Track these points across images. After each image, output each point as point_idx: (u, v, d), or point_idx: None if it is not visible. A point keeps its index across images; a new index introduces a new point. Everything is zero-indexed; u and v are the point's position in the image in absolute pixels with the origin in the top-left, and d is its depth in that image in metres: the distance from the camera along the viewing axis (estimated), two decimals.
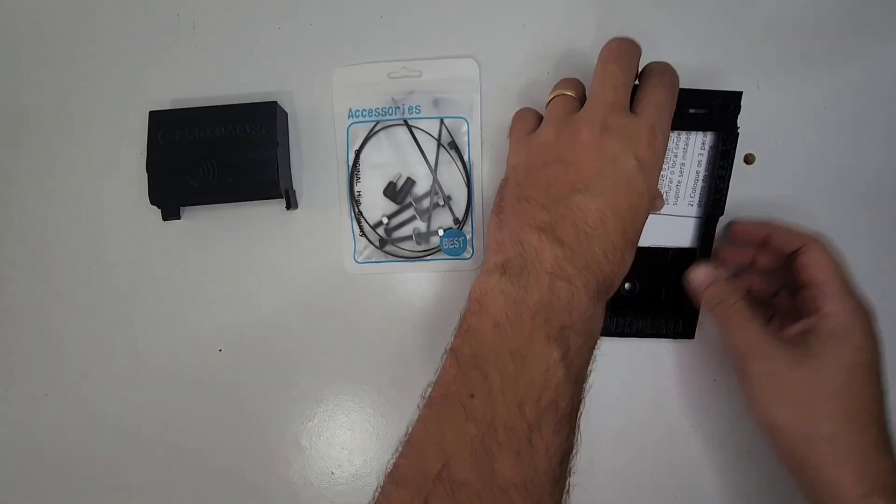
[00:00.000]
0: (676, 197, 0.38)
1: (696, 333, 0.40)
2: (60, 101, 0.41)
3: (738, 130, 0.36)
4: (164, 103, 0.40)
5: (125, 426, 0.41)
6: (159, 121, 0.38)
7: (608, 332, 0.38)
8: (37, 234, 0.41)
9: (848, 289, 0.34)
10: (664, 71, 0.34)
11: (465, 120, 0.40)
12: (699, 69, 0.39)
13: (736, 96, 0.36)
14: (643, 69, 0.35)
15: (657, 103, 0.32)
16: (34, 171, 0.41)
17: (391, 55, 0.41)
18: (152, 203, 0.39)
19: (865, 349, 0.33)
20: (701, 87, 0.36)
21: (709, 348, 0.41)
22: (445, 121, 0.40)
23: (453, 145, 0.40)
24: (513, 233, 0.31)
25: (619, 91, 0.32)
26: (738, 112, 0.36)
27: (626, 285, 0.39)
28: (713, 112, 0.36)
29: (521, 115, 0.37)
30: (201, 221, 0.41)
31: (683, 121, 0.36)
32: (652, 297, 0.39)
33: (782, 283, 0.38)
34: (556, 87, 0.36)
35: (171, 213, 0.39)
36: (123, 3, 0.41)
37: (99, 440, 0.41)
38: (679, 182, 0.38)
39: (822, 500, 0.33)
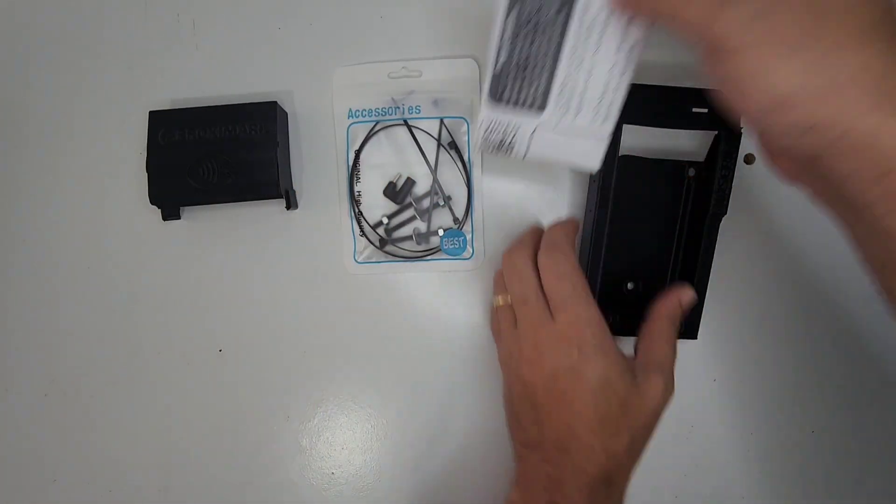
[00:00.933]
0: (579, 109, 0.31)
1: (698, 334, 0.40)
2: (60, 101, 0.41)
3: (742, 130, 0.36)
4: (164, 103, 0.40)
5: (125, 426, 0.41)
6: (159, 121, 0.38)
7: (622, 331, 0.38)
8: (37, 233, 0.41)
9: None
10: (549, 247, 0.34)
11: (465, 120, 0.40)
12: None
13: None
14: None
15: (559, 292, 0.33)
16: (34, 171, 0.41)
17: (391, 55, 0.41)
18: (152, 203, 0.39)
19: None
20: (701, 87, 0.36)
21: (709, 348, 0.41)
22: (445, 121, 0.40)
23: (453, 145, 0.40)
24: (515, 452, 0.35)
25: (531, 304, 0.33)
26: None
27: (629, 285, 0.39)
28: (716, 111, 0.36)
29: (491, 318, 0.39)
30: (201, 221, 0.41)
31: (686, 120, 0.36)
32: (654, 297, 0.39)
33: None
34: (494, 288, 0.38)
35: (170, 213, 0.39)
36: (123, 3, 0.41)
37: (99, 440, 0.41)
38: (585, 90, 0.31)
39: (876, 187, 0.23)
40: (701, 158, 0.38)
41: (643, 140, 0.38)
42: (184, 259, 0.41)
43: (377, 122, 0.40)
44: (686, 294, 0.35)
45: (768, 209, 0.40)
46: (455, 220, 0.41)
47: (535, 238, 0.36)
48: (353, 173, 0.41)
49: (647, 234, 0.39)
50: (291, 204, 0.40)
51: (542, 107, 0.31)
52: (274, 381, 0.41)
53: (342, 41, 0.41)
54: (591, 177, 0.38)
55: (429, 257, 0.41)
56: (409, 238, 0.41)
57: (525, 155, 0.33)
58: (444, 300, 0.41)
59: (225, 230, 0.41)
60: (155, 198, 0.39)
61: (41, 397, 0.41)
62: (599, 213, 0.36)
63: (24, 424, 0.41)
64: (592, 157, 0.33)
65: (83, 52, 0.41)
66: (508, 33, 0.30)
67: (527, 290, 0.34)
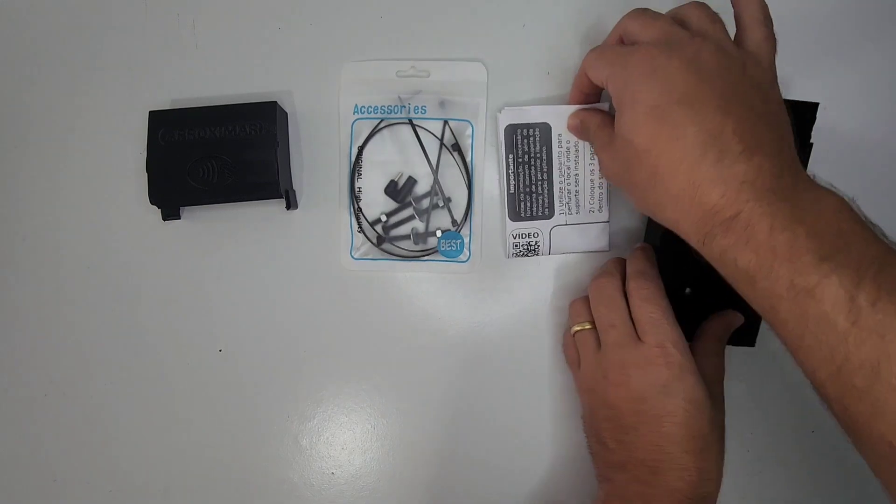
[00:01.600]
0: (578, 207, 0.40)
1: (756, 341, 0.39)
2: (60, 100, 0.41)
3: (812, 142, 0.36)
4: (164, 103, 0.40)
5: (125, 426, 0.41)
6: (159, 121, 0.38)
7: None
8: (37, 233, 0.41)
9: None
10: (637, 275, 0.36)
11: (471, 123, 0.40)
12: None
13: (812, 107, 0.36)
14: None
15: (648, 315, 0.34)
16: (34, 171, 0.41)
17: (393, 55, 0.41)
18: (152, 203, 0.39)
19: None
20: None
21: None
22: (450, 123, 0.40)
23: (457, 147, 0.40)
24: (600, 473, 0.36)
25: (619, 328, 0.34)
26: (814, 123, 0.36)
27: (687, 290, 0.39)
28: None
29: (566, 344, 0.40)
30: (201, 221, 0.41)
31: None
32: (711, 303, 0.39)
33: None
34: (572, 315, 0.39)
35: (170, 214, 0.39)
36: (123, 2, 0.41)
37: (99, 440, 0.41)
38: (578, 192, 0.40)
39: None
40: None
41: None
42: (184, 259, 0.41)
43: (382, 120, 0.40)
44: (736, 318, 0.37)
45: None
46: (454, 221, 0.41)
47: (620, 267, 0.38)
48: (355, 169, 0.41)
49: None
50: (291, 204, 0.40)
51: (551, 214, 0.40)
52: (274, 381, 0.41)
53: (343, 41, 0.41)
54: None
55: (425, 258, 0.41)
56: (406, 237, 0.41)
57: (549, 251, 0.40)
58: (442, 301, 0.41)
59: (225, 230, 0.41)
60: (155, 198, 0.38)
61: (41, 397, 0.41)
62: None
63: (24, 424, 0.41)
64: (601, 239, 0.40)
65: (83, 52, 0.41)
66: (511, 168, 0.39)
67: (614, 314, 0.35)
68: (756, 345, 0.39)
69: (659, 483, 0.32)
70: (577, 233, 0.40)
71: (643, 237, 0.40)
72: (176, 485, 0.41)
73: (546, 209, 0.40)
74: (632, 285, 0.35)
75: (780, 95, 0.31)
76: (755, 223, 0.26)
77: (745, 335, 0.39)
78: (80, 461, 0.41)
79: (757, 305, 0.28)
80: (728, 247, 0.27)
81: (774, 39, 0.32)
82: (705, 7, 0.32)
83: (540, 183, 0.39)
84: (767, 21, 0.32)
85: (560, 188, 0.39)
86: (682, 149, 0.28)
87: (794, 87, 0.40)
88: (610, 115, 0.36)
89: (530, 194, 0.39)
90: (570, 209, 0.40)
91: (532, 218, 0.40)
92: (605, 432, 0.35)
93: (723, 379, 0.36)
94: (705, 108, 0.28)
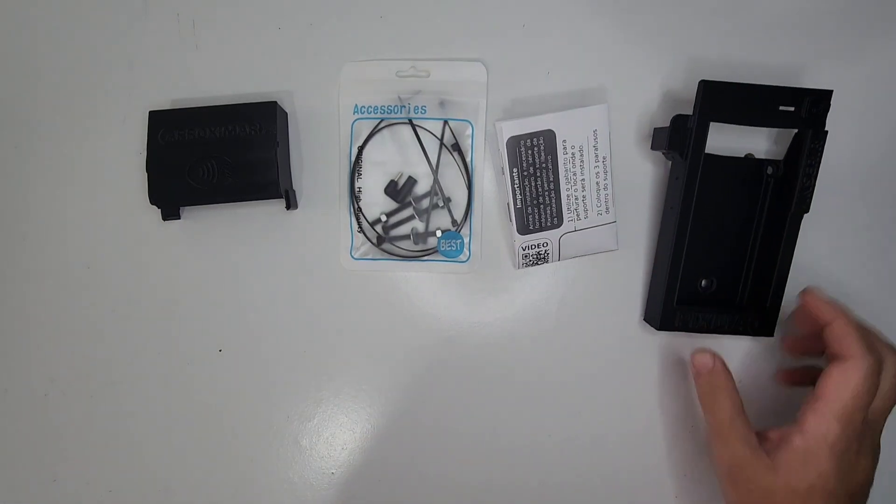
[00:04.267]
0: (586, 212, 0.39)
1: (775, 331, 0.39)
2: (60, 100, 0.41)
3: (827, 130, 0.37)
4: (164, 103, 0.40)
5: (125, 426, 0.41)
6: (159, 121, 0.38)
7: (686, 327, 0.38)
8: (36, 233, 0.41)
9: (841, 411, 0.32)
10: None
11: (471, 123, 0.40)
12: (717, 63, 0.39)
13: (826, 95, 0.36)
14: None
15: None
16: (34, 171, 0.41)
17: (392, 55, 0.41)
18: (152, 203, 0.39)
19: (832, 477, 0.32)
20: (786, 85, 0.36)
21: (717, 347, 0.40)
22: (450, 123, 0.40)
23: (456, 147, 0.40)
24: None
25: None
26: (828, 110, 0.36)
27: (703, 282, 0.39)
28: (802, 109, 0.36)
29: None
30: (201, 221, 0.41)
31: (772, 117, 0.37)
32: (730, 294, 0.39)
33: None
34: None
35: (170, 213, 0.39)
36: (123, 2, 0.41)
37: (98, 440, 0.41)
38: (584, 197, 0.39)
39: None
40: (777, 157, 0.39)
41: (717, 139, 0.38)
42: (183, 259, 0.41)
43: (382, 120, 0.40)
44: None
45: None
46: (453, 222, 0.41)
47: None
48: (355, 169, 0.41)
49: (724, 232, 0.39)
50: (291, 204, 0.40)
51: (559, 223, 0.39)
52: (274, 381, 0.41)
53: (343, 41, 0.41)
54: (674, 175, 0.39)
55: (425, 258, 0.41)
56: (406, 237, 0.41)
57: (559, 259, 0.40)
58: (442, 301, 0.41)
59: (225, 230, 0.41)
60: (155, 198, 0.38)
61: (41, 397, 0.41)
62: (683, 211, 0.37)
63: (24, 424, 0.41)
64: (609, 240, 0.40)
65: (83, 52, 0.41)
66: (517, 182, 0.38)
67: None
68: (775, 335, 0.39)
69: None
70: (585, 237, 0.39)
71: (659, 230, 0.40)
72: (175, 485, 0.41)
73: (554, 219, 0.39)
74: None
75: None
76: None
77: (765, 325, 0.39)
78: (80, 461, 0.41)
79: None
80: None
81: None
82: None
83: (547, 193, 0.38)
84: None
85: (567, 195, 0.38)
86: None
87: (807, 75, 0.40)
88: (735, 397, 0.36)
89: (538, 206, 0.38)
90: (577, 215, 0.39)
91: (541, 229, 0.39)
92: None
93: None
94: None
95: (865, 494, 0.34)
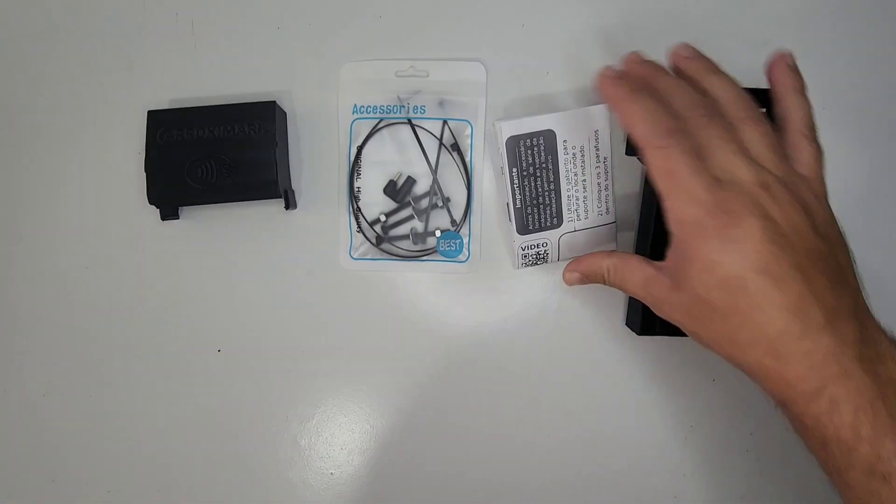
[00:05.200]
0: (586, 212, 0.39)
1: None
2: (58, 100, 0.41)
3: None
4: (163, 103, 0.40)
5: (124, 426, 0.41)
6: (158, 120, 0.38)
7: (666, 332, 0.37)
8: (35, 233, 0.41)
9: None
10: None
11: (470, 123, 0.40)
12: None
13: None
14: None
15: None
16: (32, 171, 0.41)
17: (392, 55, 0.40)
18: (150, 203, 0.39)
19: (715, 265, 0.28)
20: (757, 87, 0.36)
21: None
22: (450, 123, 0.40)
23: (456, 147, 0.40)
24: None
25: None
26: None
27: None
28: (771, 111, 0.36)
29: None
30: (200, 221, 0.41)
31: None
32: None
33: None
34: None
35: (169, 213, 0.39)
36: (122, 2, 0.41)
37: (98, 440, 0.41)
38: (585, 197, 0.39)
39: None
40: None
41: None
42: (182, 259, 0.41)
43: (381, 120, 0.40)
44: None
45: None
46: (453, 221, 0.41)
47: None
48: (354, 169, 0.41)
49: None
50: (290, 204, 0.40)
51: (559, 223, 0.38)
52: (273, 381, 0.41)
53: (342, 40, 0.41)
54: (646, 179, 0.39)
55: (424, 258, 0.41)
56: (405, 237, 0.41)
57: (558, 258, 0.40)
58: (441, 301, 0.41)
59: (224, 230, 0.41)
60: (153, 197, 0.38)
61: (39, 397, 0.41)
62: (656, 215, 0.37)
63: (23, 424, 0.41)
64: (609, 240, 0.40)
65: (81, 52, 0.41)
66: (517, 182, 0.37)
67: None
68: None
69: None
70: (585, 237, 0.39)
71: (638, 222, 0.40)
72: (174, 485, 0.41)
73: (554, 219, 0.38)
74: None
75: (838, 230, 0.30)
76: (840, 402, 0.26)
77: None
78: (79, 462, 0.41)
79: (822, 462, 0.28)
80: (807, 415, 0.27)
81: (821, 152, 0.31)
82: (763, 125, 0.30)
83: (547, 194, 0.38)
84: (815, 132, 0.31)
85: (568, 196, 0.38)
86: (764, 323, 0.27)
87: None
88: (637, 258, 0.33)
89: (538, 206, 0.38)
90: (578, 215, 0.39)
91: (540, 229, 0.38)
92: None
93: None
94: (785, 279, 0.27)
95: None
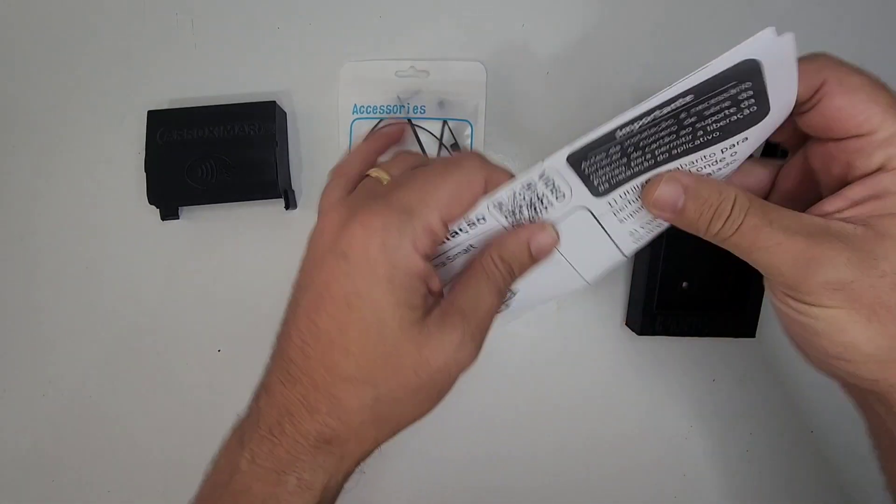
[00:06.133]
0: (625, 219, 0.27)
1: (756, 332, 0.39)
2: (59, 100, 0.41)
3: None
4: (163, 103, 0.40)
5: (124, 426, 0.41)
6: (158, 120, 0.38)
7: (666, 331, 0.38)
8: (35, 233, 0.41)
9: None
10: None
11: (470, 123, 0.40)
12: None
13: None
14: None
15: None
16: (32, 171, 0.41)
17: (392, 55, 0.40)
18: (151, 203, 0.39)
19: None
20: None
21: (708, 348, 0.40)
22: (449, 123, 0.40)
23: (456, 147, 0.40)
24: None
25: None
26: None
27: (684, 284, 0.39)
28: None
29: None
30: (200, 221, 0.41)
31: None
32: (711, 295, 0.39)
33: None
34: None
35: (169, 213, 0.39)
36: (122, 2, 0.41)
37: (97, 441, 0.41)
38: (639, 210, 0.27)
39: None
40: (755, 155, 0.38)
41: None
42: (182, 259, 0.41)
43: (381, 120, 0.40)
44: (544, 236, 0.26)
45: None
46: None
47: None
48: None
49: None
50: (290, 203, 0.40)
51: (601, 194, 0.26)
52: None
53: (342, 40, 0.41)
54: None
55: None
56: None
57: (556, 223, 0.27)
58: None
59: (224, 230, 0.41)
60: (153, 197, 0.38)
61: (39, 398, 0.41)
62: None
63: (23, 425, 0.41)
64: (594, 268, 0.28)
65: (82, 52, 0.41)
66: (651, 117, 0.24)
67: None
68: (756, 336, 0.39)
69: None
70: (597, 235, 0.28)
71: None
72: (174, 485, 0.41)
73: (607, 185, 0.26)
74: None
75: None
76: None
77: (746, 326, 0.39)
78: (79, 462, 0.41)
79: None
80: None
81: None
82: None
83: (646, 159, 0.25)
84: None
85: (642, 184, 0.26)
86: None
87: None
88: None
89: (620, 158, 0.25)
90: (618, 210, 0.28)
91: (585, 177, 0.26)
92: None
93: (482, 315, 0.26)
94: None
95: None
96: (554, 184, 0.26)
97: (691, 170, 0.25)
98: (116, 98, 0.41)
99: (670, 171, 0.24)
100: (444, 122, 0.40)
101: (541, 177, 0.26)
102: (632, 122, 0.24)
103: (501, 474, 0.41)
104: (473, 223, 0.27)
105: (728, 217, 0.23)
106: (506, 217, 0.27)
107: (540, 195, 0.26)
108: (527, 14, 0.41)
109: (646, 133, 0.24)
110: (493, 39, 0.41)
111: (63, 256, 0.41)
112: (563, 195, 0.26)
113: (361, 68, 0.40)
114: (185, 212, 0.41)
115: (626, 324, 0.40)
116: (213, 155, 0.38)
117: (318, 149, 0.41)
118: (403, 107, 0.40)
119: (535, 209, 0.27)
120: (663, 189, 0.24)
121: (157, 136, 0.38)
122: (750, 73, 0.22)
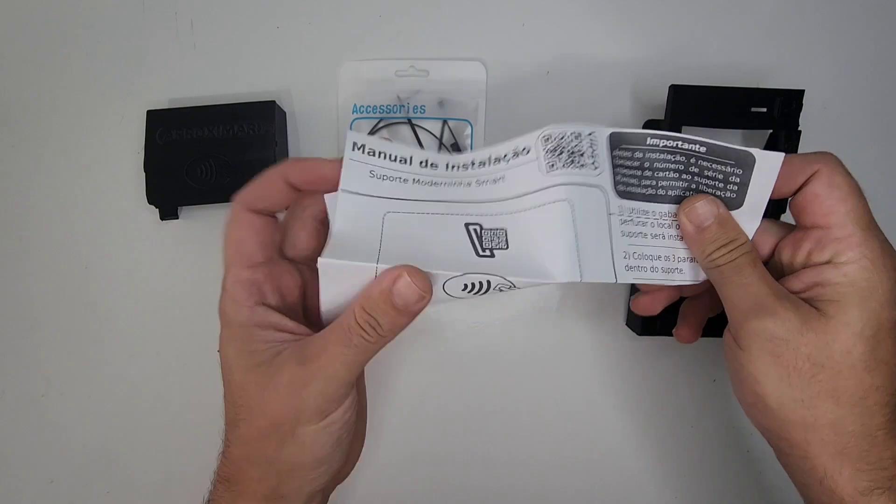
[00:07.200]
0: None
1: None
2: (58, 99, 0.41)
3: (800, 129, 0.36)
4: (162, 102, 0.40)
5: (123, 427, 0.41)
6: (157, 120, 0.38)
7: (667, 331, 0.37)
8: (34, 233, 0.41)
9: (870, 227, 0.27)
10: None
11: (470, 123, 0.40)
12: (708, 65, 0.39)
13: (798, 94, 0.36)
14: None
15: None
16: (31, 170, 0.41)
17: (392, 55, 0.40)
18: (150, 202, 0.39)
19: (891, 306, 0.26)
20: (756, 87, 0.36)
21: (709, 348, 0.40)
22: (449, 123, 0.40)
23: (456, 147, 0.40)
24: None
25: None
26: (801, 110, 0.36)
27: None
28: (774, 110, 0.36)
29: None
30: (199, 221, 0.41)
31: (745, 119, 0.36)
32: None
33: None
34: None
35: (168, 213, 0.39)
36: (121, 2, 0.41)
37: (96, 441, 0.41)
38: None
39: (815, 495, 0.28)
40: None
41: None
42: (182, 259, 0.41)
43: (381, 119, 0.40)
44: (402, 284, 0.26)
45: None
46: None
47: None
48: None
49: None
50: None
51: (618, 193, 0.28)
52: None
53: (342, 40, 0.41)
54: None
55: None
56: None
57: (554, 198, 0.26)
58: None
59: (223, 230, 0.41)
60: (153, 197, 0.38)
61: (38, 397, 0.41)
62: None
63: (22, 425, 0.41)
64: (590, 264, 0.27)
65: (80, 51, 0.41)
66: (675, 144, 0.28)
67: None
68: None
69: None
70: (601, 230, 0.29)
71: None
72: (174, 485, 0.41)
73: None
74: None
75: None
76: None
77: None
78: (77, 462, 0.41)
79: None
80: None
81: None
82: None
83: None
84: None
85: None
86: None
87: (780, 75, 0.40)
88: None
89: (641, 172, 0.28)
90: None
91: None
92: None
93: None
94: None
95: None
96: (593, 151, 0.27)
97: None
98: (115, 97, 0.41)
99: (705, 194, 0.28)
100: (444, 121, 0.40)
101: (589, 135, 0.27)
102: (662, 138, 0.27)
103: (501, 474, 0.41)
104: (518, 153, 0.27)
105: (731, 251, 0.27)
106: (545, 156, 0.27)
107: (582, 151, 0.27)
108: (527, 14, 0.41)
109: (664, 156, 0.28)
110: (493, 39, 0.41)
111: (62, 256, 0.41)
112: (596, 168, 0.27)
113: (361, 68, 0.40)
114: (184, 212, 0.41)
115: (627, 324, 0.40)
116: (212, 155, 0.38)
117: (317, 149, 0.41)
118: (403, 106, 0.40)
119: (573, 161, 0.27)
120: (703, 205, 0.28)
121: (156, 136, 0.38)
122: (746, 163, 0.28)
